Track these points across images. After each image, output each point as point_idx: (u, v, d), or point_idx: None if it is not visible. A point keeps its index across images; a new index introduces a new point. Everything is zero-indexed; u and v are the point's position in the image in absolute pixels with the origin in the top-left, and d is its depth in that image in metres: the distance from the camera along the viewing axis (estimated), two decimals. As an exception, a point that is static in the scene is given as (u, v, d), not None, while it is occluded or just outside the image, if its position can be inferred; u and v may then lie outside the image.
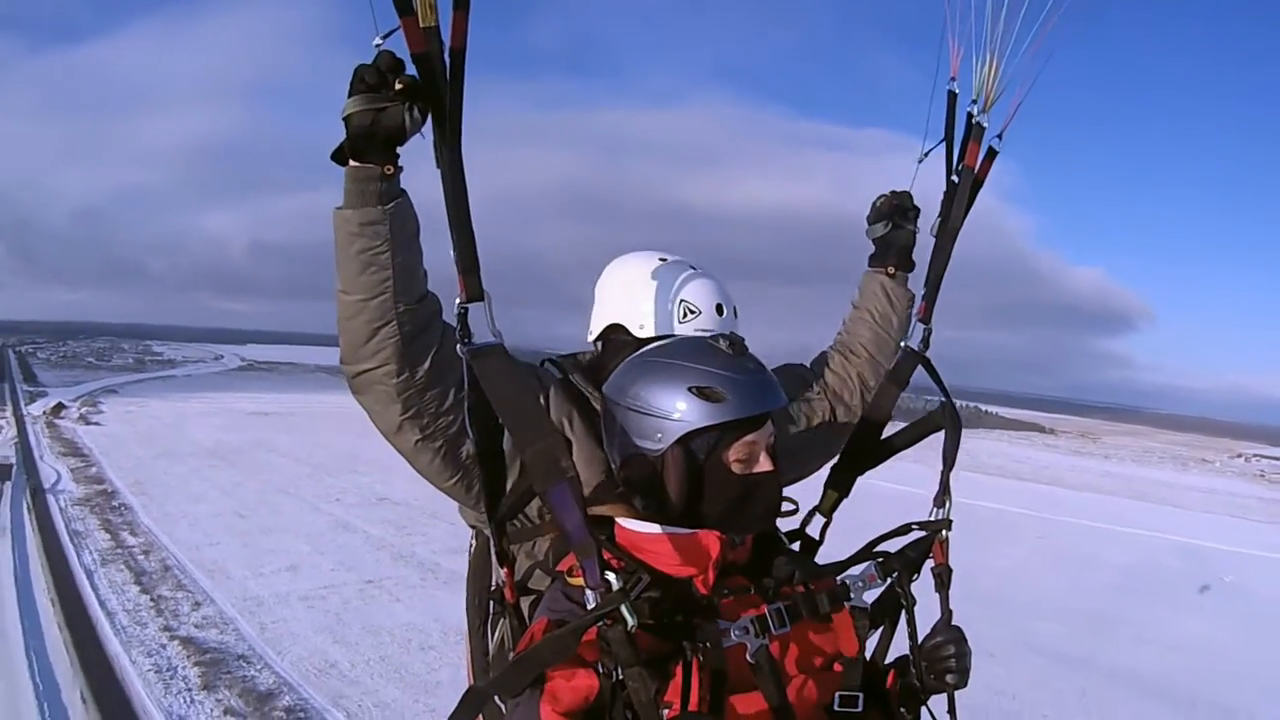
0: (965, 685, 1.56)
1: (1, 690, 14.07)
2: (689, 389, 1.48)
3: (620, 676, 1.27)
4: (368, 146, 1.50)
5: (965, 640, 1.59)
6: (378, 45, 1.45)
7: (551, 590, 1.50)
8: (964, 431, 1.78)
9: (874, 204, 2.27)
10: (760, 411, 1.51)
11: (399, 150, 1.54)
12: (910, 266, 2.25)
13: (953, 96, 1.88)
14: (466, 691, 1.42)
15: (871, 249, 2.28)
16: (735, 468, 1.50)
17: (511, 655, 1.58)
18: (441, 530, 21.25)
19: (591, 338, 2.07)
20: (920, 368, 1.96)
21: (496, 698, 1.48)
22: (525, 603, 1.76)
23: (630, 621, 1.26)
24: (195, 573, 20.42)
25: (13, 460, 33.17)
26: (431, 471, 1.75)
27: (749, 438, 1.51)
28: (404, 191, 1.58)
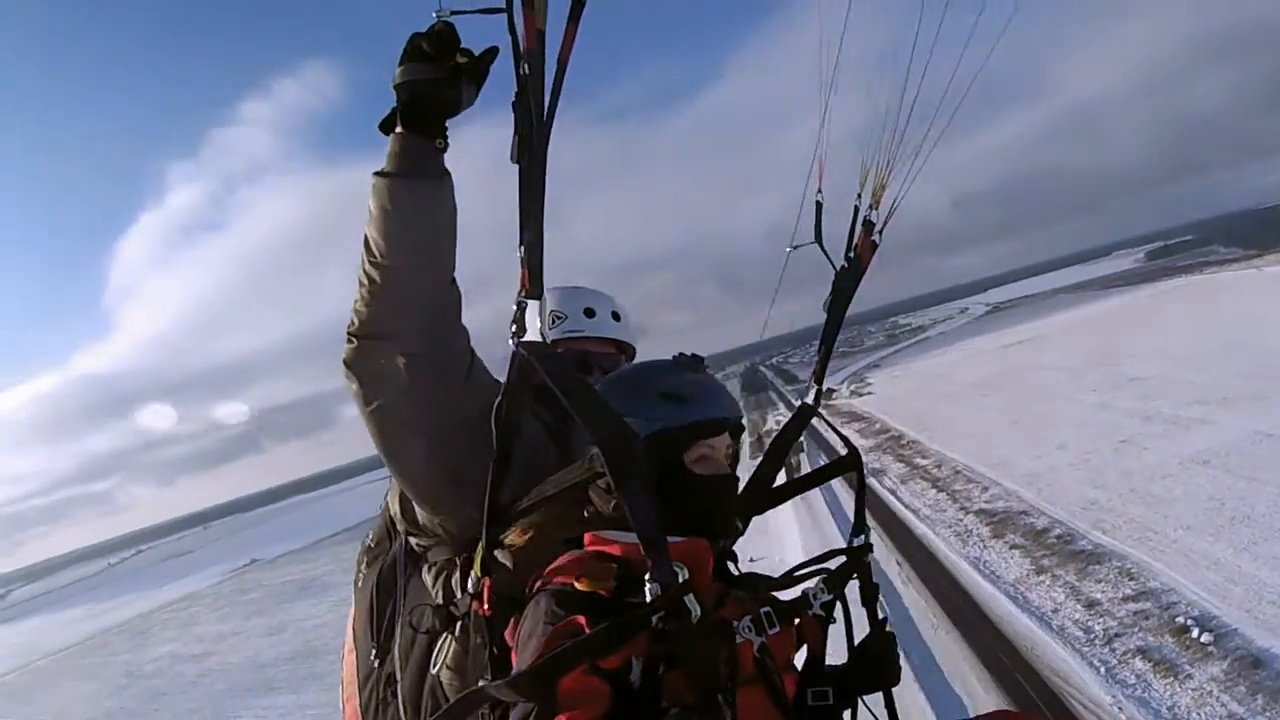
0: (898, 683, 1.72)
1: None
2: (658, 394, 1.56)
3: (662, 670, 1.31)
4: (422, 118, 1.47)
5: (896, 644, 1.74)
6: (440, 16, 1.40)
7: (544, 600, 1.45)
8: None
9: None
10: (720, 416, 1.59)
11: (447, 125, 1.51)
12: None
13: (819, 206, 2.10)
14: (469, 691, 1.41)
15: None
16: (695, 468, 1.55)
17: (482, 674, 1.57)
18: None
19: None
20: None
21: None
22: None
23: (695, 612, 1.29)
24: (981, 470, 26.29)
25: (800, 439, 47.94)
26: (409, 456, 1.68)
27: (709, 441, 1.57)
28: (449, 171, 1.55)
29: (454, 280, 1.62)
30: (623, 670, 1.32)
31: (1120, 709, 12.87)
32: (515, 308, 1.46)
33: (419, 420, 1.63)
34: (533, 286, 1.45)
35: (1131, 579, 16.94)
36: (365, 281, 1.56)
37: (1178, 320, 47.53)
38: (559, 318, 2.17)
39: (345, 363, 1.62)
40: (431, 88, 1.43)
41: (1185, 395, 26.22)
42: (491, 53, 1.44)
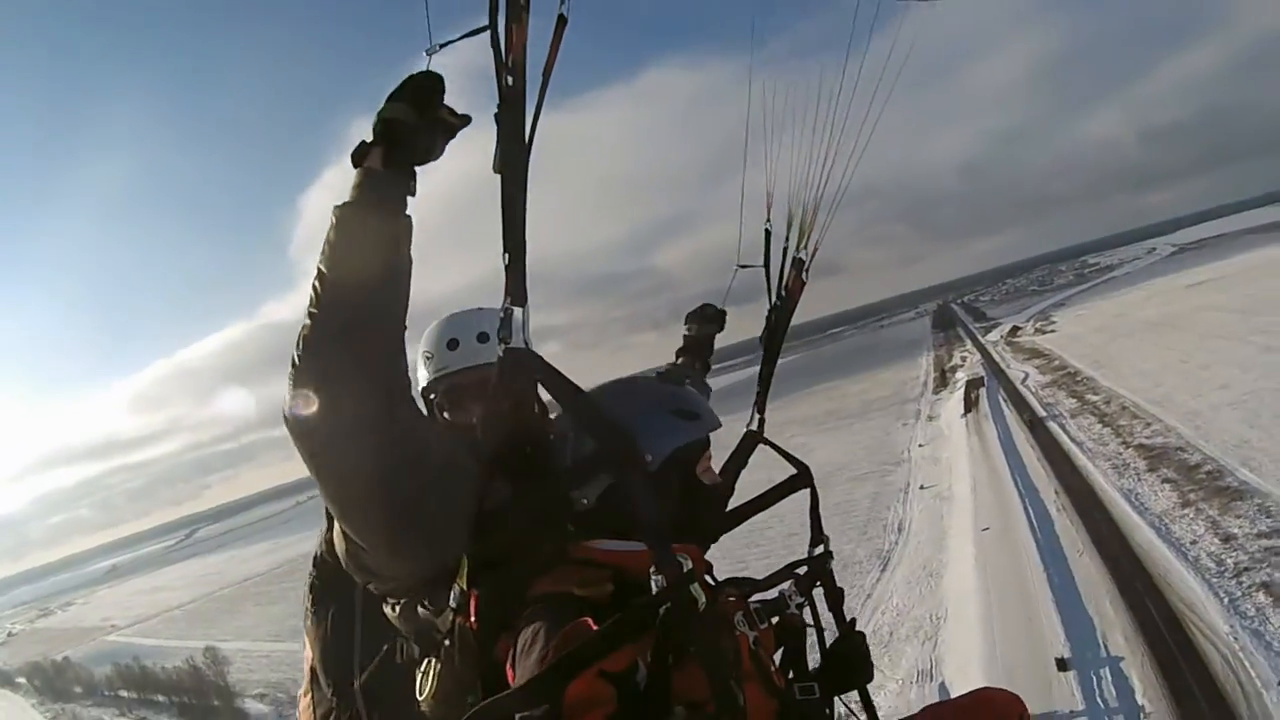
0: (871, 679, 1.82)
1: (992, 495, 24.73)
2: (670, 412, 1.63)
3: (670, 661, 1.31)
4: (401, 159, 1.48)
5: (866, 643, 1.85)
6: (430, 53, 1.45)
7: (544, 609, 1.44)
8: None
9: (703, 310, 2.77)
10: (719, 427, 1.71)
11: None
12: (708, 364, 2.80)
13: (768, 234, 2.19)
14: (478, 708, 1.35)
15: None
16: (704, 478, 1.68)
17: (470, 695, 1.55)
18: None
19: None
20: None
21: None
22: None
23: (701, 600, 1.30)
24: (1146, 406, 28.96)
25: (982, 374, 47.06)
26: (359, 501, 1.60)
27: (708, 451, 1.70)
28: (410, 215, 1.54)
29: (404, 324, 1.61)
30: (627, 673, 1.30)
31: (1235, 638, 14.77)
32: (501, 315, 1.49)
33: (368, 464, 1.55)
34: (515, 295, 1.48)
35: (1269, 516, 18.34)
36: (312, 321, 1.50)
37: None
38: (428, 357, 2.13)
39: (288, 410, 1.52)
40: (411, 133, 1.46)
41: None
42: (466, 119, 1.52)
